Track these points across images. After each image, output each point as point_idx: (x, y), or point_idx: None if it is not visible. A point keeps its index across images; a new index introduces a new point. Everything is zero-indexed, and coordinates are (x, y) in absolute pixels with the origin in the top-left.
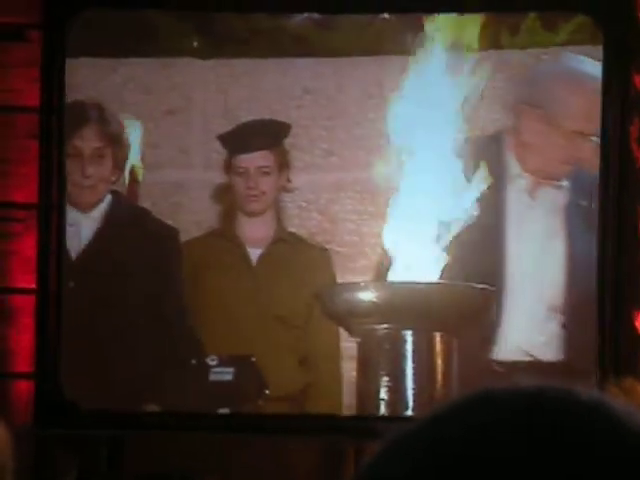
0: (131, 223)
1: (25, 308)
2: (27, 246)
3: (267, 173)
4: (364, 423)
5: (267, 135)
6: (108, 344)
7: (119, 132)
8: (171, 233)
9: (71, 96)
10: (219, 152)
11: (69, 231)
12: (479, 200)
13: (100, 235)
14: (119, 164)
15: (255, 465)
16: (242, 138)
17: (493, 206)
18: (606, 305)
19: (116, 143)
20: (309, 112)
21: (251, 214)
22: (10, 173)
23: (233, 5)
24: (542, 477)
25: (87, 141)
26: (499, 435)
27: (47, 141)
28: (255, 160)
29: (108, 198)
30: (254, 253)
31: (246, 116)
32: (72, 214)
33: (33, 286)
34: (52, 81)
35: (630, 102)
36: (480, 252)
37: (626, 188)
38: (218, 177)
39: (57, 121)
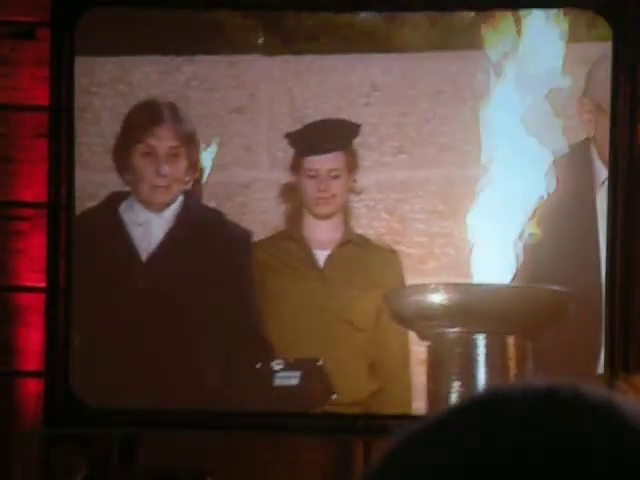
0: (203, 224)
1: (34, 306)
2: (35, 245)
3: (337, 176)
4: (373, 421)
5: (338, 136)
6: (169, 346)
7: (193, 131)
8: (244, 235)
9: (135, 95)
10: (285, 151)
11: (138, 231)
12: (559, 199)
13: (171, 236)
14: (193, 164)
15: (265, 463)
16: (312, 139)
17: (577, 207)
18: (615, 304)
19: (190, 143)
20: (378, 109)
21: (320, 217)
22: (19, 172)
23: (300, 3)
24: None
25: (162, 140)
26: (504, 442)
27: (56, 140)
28: (326, 162)
29: (180, 198)
30: (321, 255)
31: (313, 114)
32: (142, 214)
33: (42, 284)
34: (61, 80)
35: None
36: (560, 253)
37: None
38: (284, 177)
39: (66, 120)
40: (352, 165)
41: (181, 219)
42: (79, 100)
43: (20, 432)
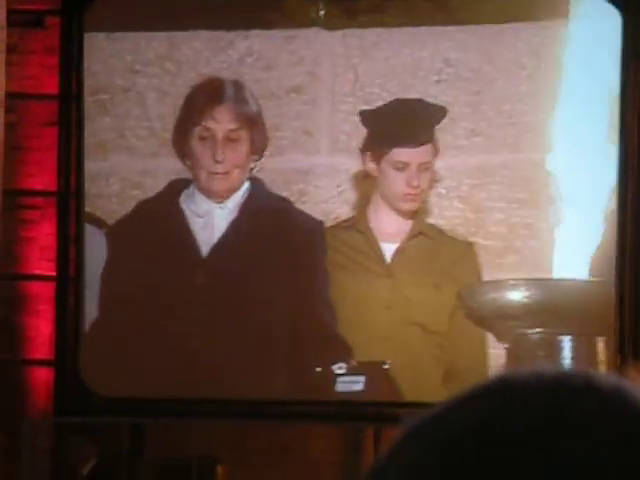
0: (270, 214)
1: (43, 295)
2: (45, 233)
3: (428, 169)
4: (383, 408)
5: (428, 124)
6: (223, 339)
7: (257, 112)
8: (316, 225)
9: (184, 74)
10: (348, 134)
11: (199, 222)
12: None
13: (235, 227)
14: (257, 148)
15: (275, 451)
16: (396, 124)
17: None
18: (625, 289)
19: (253, 125)
20: (451, 87)
21: (404, 213)
22: (29, 160)
23: None
24: (556, 467)
25: (220, 122)
26: (513, 427)
27: (66, 128)
28: (418, 156)
29: (245, 186)
30: (388, 248)
31: (379, 94)
32: (203, 203)
33: (51, 273)
34: (71, 67)
35: None
36: None
37: None
38: (346, 162)
39: (76, 108)
40: (436, 154)
41: (245, 209)
42: (123, 80)
43: (30, 421)
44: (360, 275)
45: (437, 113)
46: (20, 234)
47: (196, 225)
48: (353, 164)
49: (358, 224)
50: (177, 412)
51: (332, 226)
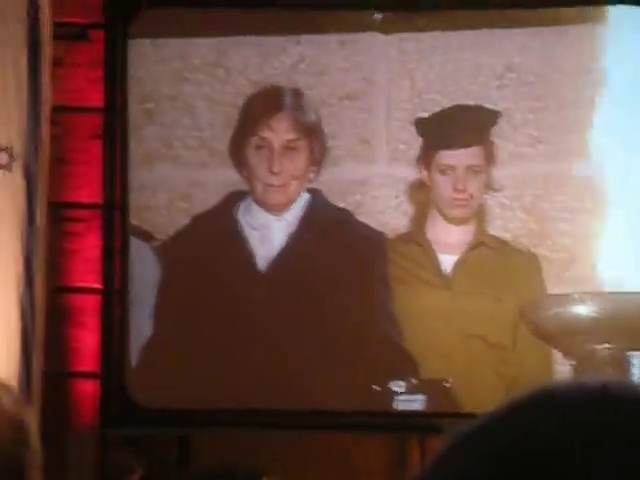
0: (331, 226)
1: (89, 307)
2: (90, 246)
3: (477, 172)
4: (428, 419)
5: (477, 126)
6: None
7: (316, 121)
8: (377, 237)
9: (234, 81)
10: (407, 143)
11: (256, 236)
12: None
13: (294, 240)
14: (316, 159)
15: (320, 462)
16: (447, 128)
17: None
18: None
19: (312, 134)
20: (513, 93)
21: (454, 221)
22: (74, 173)
23: None
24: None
25: (277, 132)
26: (561, 442)
27: (111, 141)
28: (465, 158)
29: (305, 198)
30: (448, 261)
31: (438, 99)
32: (260, 216)
33: (96, 285)
34: (115, 80)
35: None
36: None
37: None
38: (405, 172)
39: (121, 121)
40: (490, 159)
41: (305, 222)
42: (170, 87)
43: (76, 434)
44: (419, 288)
45: (488, 115)
46: (65, 247)
47: (253, 239)
48: (411, 174)
49: (416, 236)
50: (223, 423)
51: (390, 239)
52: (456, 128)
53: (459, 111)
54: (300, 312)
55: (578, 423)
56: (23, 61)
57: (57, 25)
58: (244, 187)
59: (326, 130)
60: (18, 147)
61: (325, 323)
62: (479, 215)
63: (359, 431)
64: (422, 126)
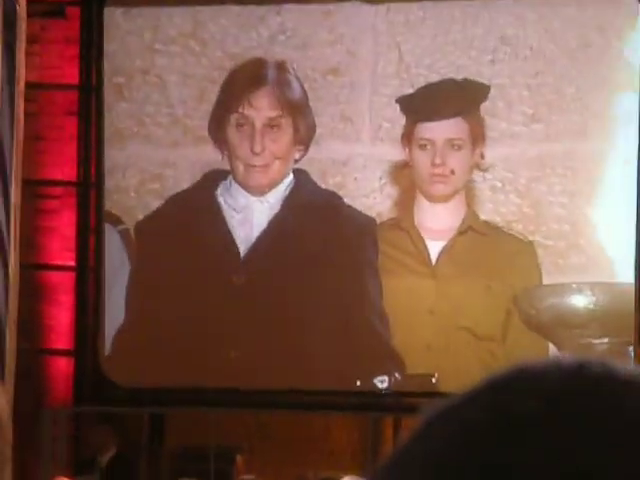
0: (318, 210)
1: (64, 285)
2: (65, 223)
3: (459, 147)
4: (402, 399)
5: (461, 99)
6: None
7: (302, 97)
8: (368, 223)
9: (210, 54)
10: (393, 121)
11: (236, 218)
12: None
13: (277, 224)
14: (302, 137)
15: (295, 441)
16: (428, 102)
17: None
18: None
19: (297, 111)
20: (507, 68)
21: (435, 198)
22: (49, 150)
23: None
24: (568, 460)
25: (259, 109)
26: (535, 421)
27: (86, 118)
28: (444, 130)
29: (289, 179)
30: (434, 247)
31: (427, 75)
32: (241, 197)
33: (71, 263)
34: (91, 58)
35: None
36: None
37: None
38: (391, 152)
39: (96, 98)
40: (478, 136)
41: (289, 204)
42: (142, 61)
43: (49, 410)
44: (405, 277)
45: (476, 89)
46: (40, 224)
47: (233, 220)
48: (395, 154)
49: (402, 222)
50: (197, 402)
51: (378, 224)
52: (439, 101)
53: (445, 85)
54: (279, 297)
55: (553, 401)
56: None
57: (33, 2)
58: (223, 166)
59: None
60: None
61: (304, 307)
62: (468, 198)
63: (333, 411)
64: (405, 103)
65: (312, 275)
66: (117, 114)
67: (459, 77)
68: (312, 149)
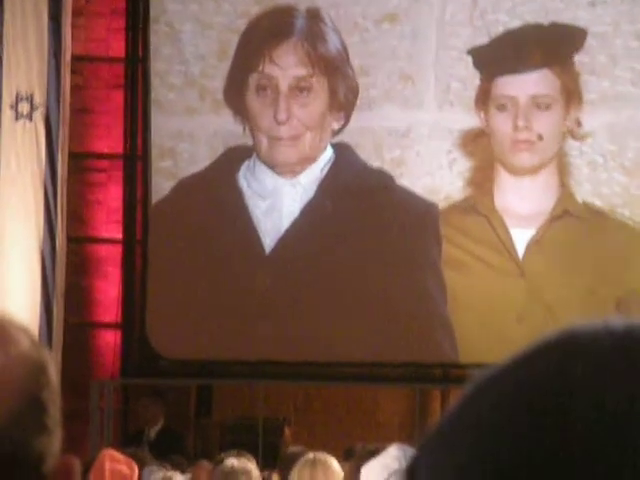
0: (364, 195)
1: (111, 258)
2: (112, 197)
3: (547, 107)
4: (450, 370)
5: (549, 46)
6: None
7: (339, 51)
8: (427, 209)
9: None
10: (464, 80)
11: (261, 207)
12: None
13: (312, 212)
14: (342, 103)
15: (342, 413)
16: (507, 52)
17: None
18: None
19: (333, 69)
20: (610, 12)
21: (519, 170)
22: (95, 123)
23: None
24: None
25: (284, 67)
26: (585, 385)
27: (132, 91)
28: (528, 85)
29: (327, 155)
30: (521, 236)
31: (506, 21)
32: (267, 180)
33: (118, 236)
34: (137, 30)
35: None
36: None
37: None
38: (462, 119)
39: (142, 70)
40: (572, 95)
41: (326, 188)
42: (152, 8)
43: (98, 383)
44: (483, 273)
45: (570, 35)
46: (87, 197)
47: (258, 210)
48: (469, 120)
49: (479, 204)
50: (244, 374)
51: (448, 207)
52: (521, 50)
53: (529, 31)
54: (310, 308)
55: (603, 365)
56: (44, 10)
57: None
58: (245, 141)
59: (356, 64)
60: (39, 96)
61: (343, 323)
62: (562, 175)
63: (379, 382)
64: (479, 55)
65: (355, 277)
66: None
67: (546, 22)
68: (363, 116)
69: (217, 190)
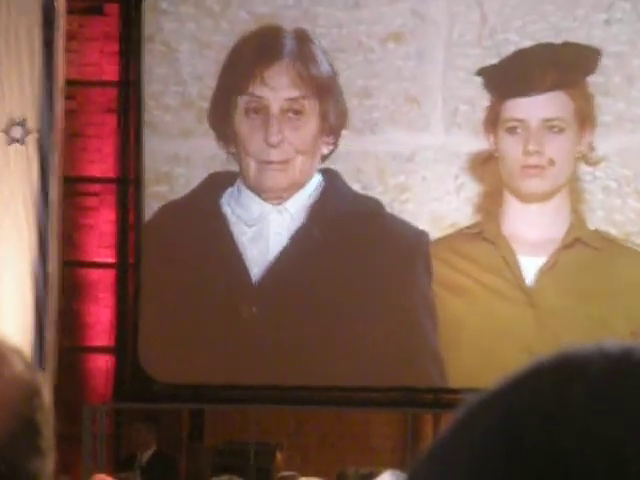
0: (353, 222)
1: (103, 282)
2: (104, 221)
3: (560, 130)
4: (442, 395)
5: (561, 68)
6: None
7: (329, 73)
8: (417, 236)
9: (231, 17)
10: (472, 102)
11: (247, 233)
12: None
13: (300, 241)
14: (332, 126)
15: (334, 437)
16: (518, 73)
17: None
18: None
19: (325, 91)
20: (627, 30)
21: (528, 197)
22: (88, 147)
23: None
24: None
25: (276, 89)
26: (578, 408)
27: (125, 115)
28: (540, 107)
29: (315, 181)
30: (530, 265)
31: (517, 41)
32: (253, 206)
33: (111, 260)
34: (130, 54)
35: None
36: None
37: None
38: (470, 142)
39: (135, 95)
40: (585, 118)
41: (314, 215)
42: (146, 26)
43: (90, 407)
44: (489, 302)
45: (582, 55)
46: (80, 221)
47: (244, 237)
48: (477, 143)
49: (486, 231)
50: (237, 398)
51: (449, 235)
52: (532, 71)
53: (541, 51)
54: (298, 339)
55: (597, 389)
56: (37, 34)
57: None
58: (229, 167)
59: (359, 84)
60: (32, 121)
61: (334, 356)
62: (574, 201)
63: (372, 407)
64: (489, 75)
65: (345, 306)
66: None
67: (558, 42)
68: (366, 140)
69: (200, 216)
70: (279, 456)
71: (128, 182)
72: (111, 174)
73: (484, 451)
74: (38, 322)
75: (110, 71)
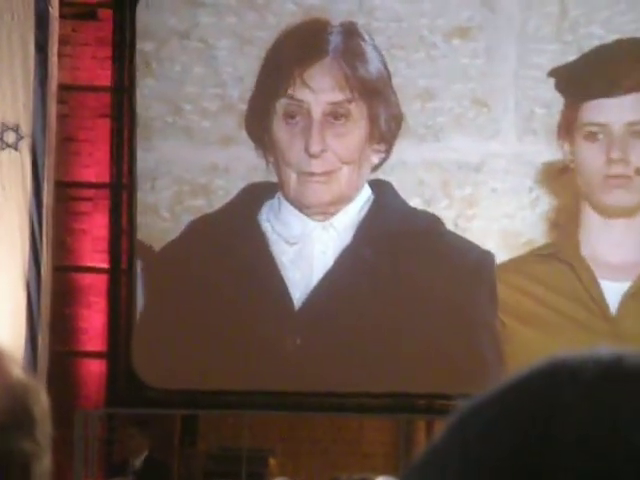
0: (409, 241)
1: (96, 287)
2: (97, 225)
3: None
4: (435, 401)
5: None
6: None
7: (381, 74)
8: (482, 257)
9: (261, 10)
10: (547, 106)
11: (288, 253)
12: None
13: (347, 261)
14: (383, 133)
15: (327, 443)
16: (598, 72)
17: None
18: None
19: (375, 94)
20: None
21: (611, 212)
22: (81, 152)
23: None
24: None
25: (317, 91)
26: (569, 414)
27: (118, 120)
28: (623, 110)
29: (364, 195)
30: (613, 290)
31: (601, 35)
32: (295, 222)
33: (104, 265)
34: (123, 59)
35: None
36: None
37: None
38: (545, 150)
39: (128, 99)
40: None
41: (364, 233)
42: (177, 19)
43: (82, 412)
44: (564, 331)
45: None
46: (73, 226)
47: (285, 257)
48: (553, 152)
49: (563, 251)
50: (229, 404)
51: (520, 256)
52: (614, 70)
53: (624, 47)
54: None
55: (588, 394)
56: (30, 40)
57: (65, 4)
58: (268, 177)
59: (419, 85)
60: (25, 126)
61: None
62: None
63: (365, 413)
64: (563, 76)
65: (394, 339)
66: (143, 97)
67: None
68: (426, 148)
69: (234, 232)
70: (272, 462)
71: (121, 187)
72: (104, 179)
73: (477, 455)
74: (31, 327)
75: (103, 76)
